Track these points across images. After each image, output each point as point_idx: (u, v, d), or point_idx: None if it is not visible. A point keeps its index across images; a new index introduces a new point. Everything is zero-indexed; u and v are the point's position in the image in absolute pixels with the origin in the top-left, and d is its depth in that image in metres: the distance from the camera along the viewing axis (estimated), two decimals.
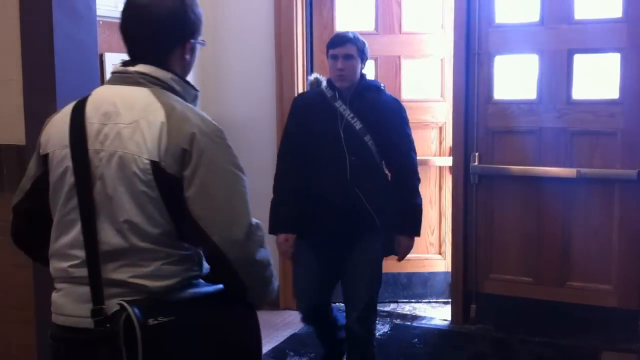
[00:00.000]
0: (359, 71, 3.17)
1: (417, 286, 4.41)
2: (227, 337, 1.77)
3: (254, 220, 1.75)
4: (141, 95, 1.74)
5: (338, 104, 3.15)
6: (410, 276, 4.36)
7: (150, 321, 1.61)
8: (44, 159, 1.81)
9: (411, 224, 3.24)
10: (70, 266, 1.74)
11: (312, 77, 3.34)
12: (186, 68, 1.85)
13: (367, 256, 3.18)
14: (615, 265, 3.68)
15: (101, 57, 3.30)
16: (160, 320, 1.63)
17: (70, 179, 1.74)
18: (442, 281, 4.38)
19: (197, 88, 1.88)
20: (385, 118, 3.16)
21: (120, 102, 1.75)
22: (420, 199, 3.22)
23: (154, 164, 1.66)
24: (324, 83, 3.22)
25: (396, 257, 3.26)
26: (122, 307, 1.62)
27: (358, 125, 3.12)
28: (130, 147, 1.68)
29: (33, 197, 1.87)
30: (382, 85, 3.28)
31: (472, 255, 3.96)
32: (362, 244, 3.18)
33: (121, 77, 1.80)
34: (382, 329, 3.98)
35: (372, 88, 3.23)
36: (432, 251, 4.36)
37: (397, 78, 4.21)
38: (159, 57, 1.80)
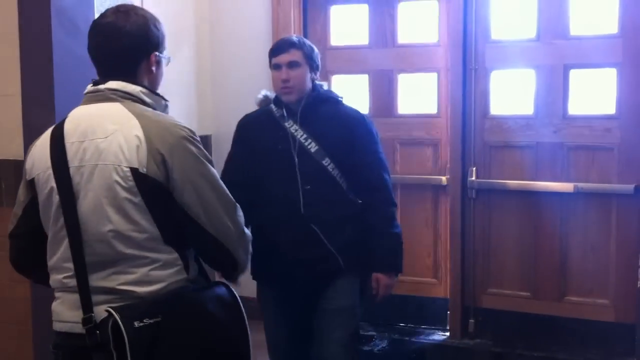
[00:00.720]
0: (308, 81, 2.72)
1: (412, 310, 4.12)
2: (216, 337, 1.84)
3: (240, 211, 1.89)
4: (114, 110, 1.83)
5: (288, 123, 2.70)
6: (405, 299, 4.03)
7: (136, 323, 1.69)
8: (31, 183, 1.90)
9: (389, 258, 2.77)
10: (65, 277, 1.82)
11: (260, 94, 2.87)
12: (154, 81, 1.96)
13: (336, 307, 2.72)
14: (613, 279, 3.69)
15: None
16: (146, 322, 1.70)
17: (56, 198, 1.81)
18: (438, 307, 4.07)
19: (167, 99, 1.98)
20: (347, 134, 2.71)
21: (95, 119, 1.83)
22: (399, 228, 2.79)
23: (134, 171, 1.75)
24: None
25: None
26: (110, 314, 1.70)
27: (314, 147, 2.67)
28: (110, 158, 1.77)
29: (26, 221, 1.95)
30: (340, 96, 2.84)
31: (470, 270, 3.96)
32: (329, 292, 2.72)
33: (94, 96, 1.89)
34: (380, 344, 3.97)
35: (328, 100, 2.78)
36: (428, 275, 4.11)
37: (391, 93, 4.11)
38: (126, 72, 1.90)
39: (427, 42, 4.03)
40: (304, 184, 2.65)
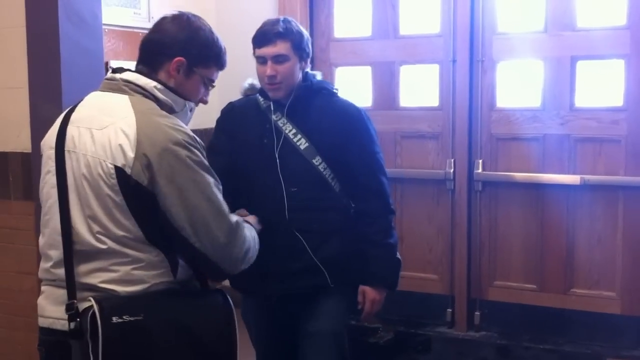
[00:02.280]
0: (297, 74, 2.39)
1: (411, 307, 4.00)
2: (199, 340, 1.79)
3: (233, 219, 1.83)
4: (119, 103, 1.82)
5: (276, 116, 2.39)
6: (404, 295, 3.72)
7: (115, 319, 1.67)
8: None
9: (381, 271, 2.47)
10: (52, 266, 1.82)
11: (246, 82, 2.62)
12: (179, 87, 1.90)
13: (320, 330, 2.41)
14: (620, 272, 3.68)
15: (107, 64, 3.31)
16: (125, 319, 1.68)
17: (51, 179, 1.83)
18: (437, 303, 4.00)
19: (191, 100, 1.93)
20: (341, 130, 2.40)
21: (99, 108, 1.84)
22: (394, 238, 2.50)
23: (118, 170, 1.72)
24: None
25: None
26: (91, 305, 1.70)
27: (303, 144, 2.37)
28: (98, 151, 1.76)
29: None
30: (334, 88, 2.54)
31: (476, 262, 3.95)
32: (313, 311, 2.42)
33: (108, 84, 1.90)
34: (386, 336, 3.97)
35: (321, 91, 2.47)
36: (429, 271, 4.04)
37: (394, 85, 4.06)
38: (151, 65, 1.90)
39: (429, 33, 3.99)
40: (289, 186, 2.34)
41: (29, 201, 3.00)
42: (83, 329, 1.70)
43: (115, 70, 1.91)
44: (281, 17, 2.44)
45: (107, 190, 1.73)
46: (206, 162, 1.80)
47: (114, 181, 1.72)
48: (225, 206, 1.80)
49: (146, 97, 1.84)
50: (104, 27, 3.12)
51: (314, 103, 2.43)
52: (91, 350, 1.66)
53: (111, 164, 1.73)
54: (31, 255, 3.02)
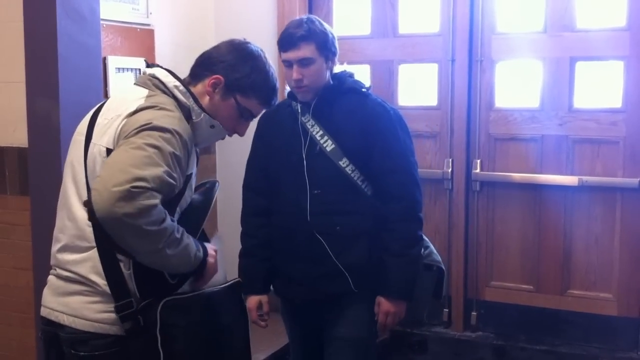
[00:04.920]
0: (325, 75, 2.37)
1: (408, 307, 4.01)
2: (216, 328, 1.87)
3: (141, 179, 1.58)
4: (137, 95, 1.83)
5: (305, 118, 2.36)
6: None
7: (179, 319, 1.74)
8: None
9: (397, 284, 2.36)
10: (57, 250, 1.84)
11: (287, 85, 2.54)
12: (212, 105, 1.88)
13: (344, 336, 2.38)
14: (616, 273, 3.68)
15: (104, 60, 3.30)
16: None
17: (68, 165, 1.86)
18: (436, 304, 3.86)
19: (208, 114, 1.87)
20: (367, 132, 2.34)
21: (120, 99, 1.86)
22: (418, 250, 2.42)
23: (109, 151, 1.74)
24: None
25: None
26: (151, 302, 1.72)
27: (330, 146, 2.32)
28: (102, 140, 1.78)
29: None
30: (366, 86, 2.46)
31: (473, 263, 3.95)
32: (337, 318, 2.38)
33: (139, 78, 1.93)
34: (381, 335, 3.96)
35: (350, 91, 2.41)
36: None
37: (392, 84, 4.04)
38: (192, 76, 1.92)
39: (429, 33, 3.98)
40: (313, 188, 2.31)
41: (25, 196, 2.99)
42: (147, 325, 1.72)
43: (149, 66, 1.94)
44: (304, 17, 2.39)
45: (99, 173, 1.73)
46: (169, 153, 1.66)
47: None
48: (141, 165, 1.59)
49: (166, 94, 1.84)
50: (102, 22, 3.11)
51: (341, 104, 2.37)
52: (160, 344, 1.71)
53: (104, 146, 1.75)
54: (27, 251, 3.01)
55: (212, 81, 1.87)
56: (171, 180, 1.65)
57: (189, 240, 1.75)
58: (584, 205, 3.71)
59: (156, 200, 1.59)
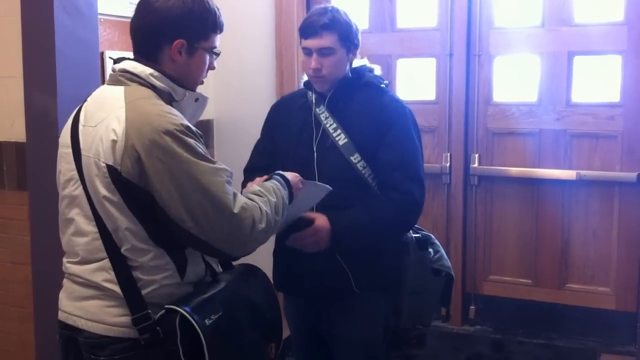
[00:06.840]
0: (344, 66, 2.33)
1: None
2: (264, 315, 1.90)
3: (239, 203, 1.70)
4: (114, 95, 1.75)
5: (319, 109, 2.32)
6: None
7: (207, 321, 1.69)
8: None
9: (350, 221, 2.23)
10: (68, 262, 1.83)
11: (304, 75, 2.49)
12: (180, 70, 1.80)
13: (347, 335, 2.36)
14: (614, 267, 3.68)
15: (102, 54, 3.29)
16: (213, 319, 1.71)
17: (61, 178, 1.82)
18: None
19: (193, 89, 1.85)
20: (378, 128, 2.29)
21: (97, 103, 1.79)
22: (395, 232, 2.38)
23: (111, 168, 1.66)
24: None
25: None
26: (171, 310, 1.69)
27: (342, 140, 2.27)
28: (93, 151, 1.71)
29: None
30: (384, 82, 2.42)
31: (471, 257, 3.96)
32: (339, 314, 2.35)
33: (110, 77, 1.85)
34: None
35: (366, 86, 2.37)
36: None
37: (390, 79, 3.98)
38: (148, 54, 1.80)
39: (427, 27, 3.97)
40: (321, 182, 2.20)
41: (23, 191, 2.99)
42: (167, 336, 1.68)
43: (115, 61, 1.84)
44: (329, 7, 2.32)
45: (104, 192, 1.68)
46: (201, 149, 1.69)
47: (109, 180, 1.67)
48: (225, 192, 1.67)
49: (142, 85, 1.76)
50: (99, 16, 3.10)
51: (357, 98, 2.32)
52: (182, 354, 1.66)
53: (104, 162, 1.67)
54: (25, 246, 3.01)
55: (176, 48, 1.78)
56: (227, 178, 1.72)
57: (272, 196, 1.82)
58: (581, 200, 3.72)
59: (253, 214, 1.71)
